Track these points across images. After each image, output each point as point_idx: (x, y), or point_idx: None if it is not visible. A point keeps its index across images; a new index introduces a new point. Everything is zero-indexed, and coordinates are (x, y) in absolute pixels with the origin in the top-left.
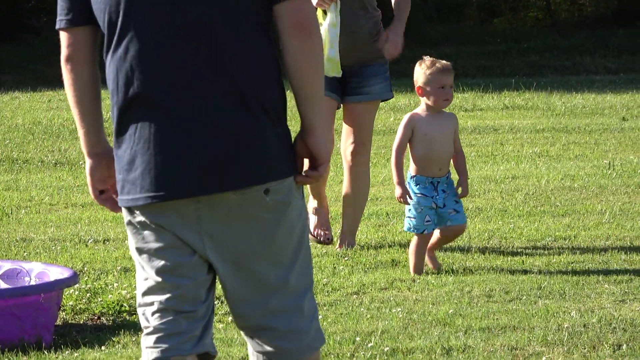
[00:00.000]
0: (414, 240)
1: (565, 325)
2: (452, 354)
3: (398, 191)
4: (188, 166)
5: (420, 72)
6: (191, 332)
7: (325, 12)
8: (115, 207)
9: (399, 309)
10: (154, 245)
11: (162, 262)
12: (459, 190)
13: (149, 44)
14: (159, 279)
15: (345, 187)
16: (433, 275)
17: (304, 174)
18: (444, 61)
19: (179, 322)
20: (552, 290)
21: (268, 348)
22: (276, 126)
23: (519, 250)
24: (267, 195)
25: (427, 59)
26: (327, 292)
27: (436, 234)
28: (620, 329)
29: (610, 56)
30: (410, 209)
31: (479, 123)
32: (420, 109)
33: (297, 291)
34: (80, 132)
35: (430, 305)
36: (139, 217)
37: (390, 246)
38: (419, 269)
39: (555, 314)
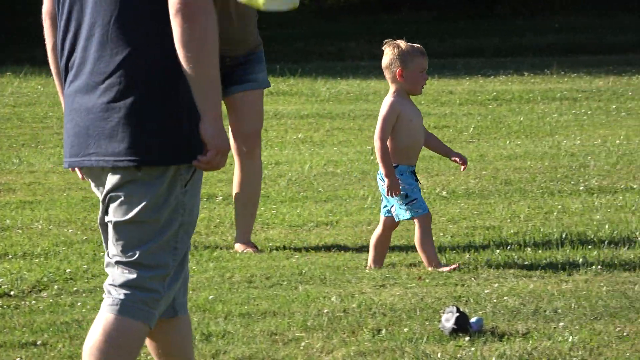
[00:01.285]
0: (421, 226)
1: (325, 311)
2: (211, 340)
3: (389, 183)
4: (73, 140)
5: (398, 55)
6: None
7: None
8: None
9: None
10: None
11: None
12: (458, 160)
13: (68, 21)
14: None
15: (239, 184)
16: (194, 262)
17: (197, 159)
18: (417, 44)
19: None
20: (313, 276)
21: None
22: (158, 115)
23: (282, 235)
24: (139, 171)
25: (402, 42)
26: (87, 278)
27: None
28: (380, 313)
29: (375, 42)
30: (406, 195)
31: None
32: (395, 95)
33: (142, 267)
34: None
35: (190, 292)
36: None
37: None
38: (435, 258)
39: (315, 299)
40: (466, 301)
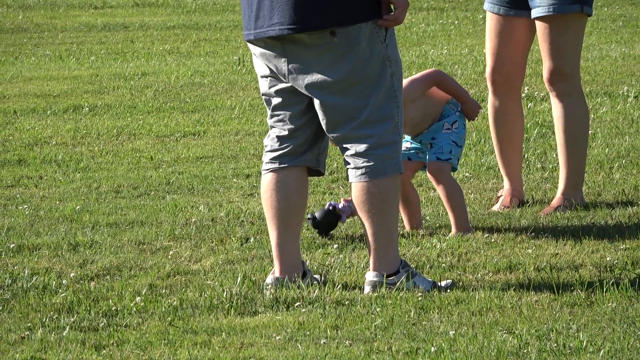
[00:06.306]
0: None
1: (193, 220)
2: (79, 250)
3: None
4: (256, 13)
5: None
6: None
7: None
8: None
9: (25, 206)
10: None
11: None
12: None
13: None
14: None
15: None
16: (60, 173)
17: (384, 18)
18: None
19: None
20: (181, 185)
21: (354, 159)
22: None
23: (149, 145)
24: (335, 36)
25: None
26: None
27: None
28: (248, 222)
29: None
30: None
31: (109, 20)
32: None
33: (373, 124)
34: None
35: (57, 202)
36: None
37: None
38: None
39: (183, 209)
40: None
